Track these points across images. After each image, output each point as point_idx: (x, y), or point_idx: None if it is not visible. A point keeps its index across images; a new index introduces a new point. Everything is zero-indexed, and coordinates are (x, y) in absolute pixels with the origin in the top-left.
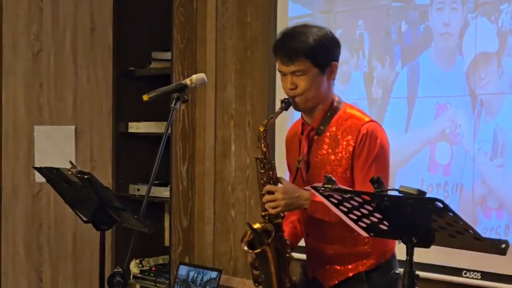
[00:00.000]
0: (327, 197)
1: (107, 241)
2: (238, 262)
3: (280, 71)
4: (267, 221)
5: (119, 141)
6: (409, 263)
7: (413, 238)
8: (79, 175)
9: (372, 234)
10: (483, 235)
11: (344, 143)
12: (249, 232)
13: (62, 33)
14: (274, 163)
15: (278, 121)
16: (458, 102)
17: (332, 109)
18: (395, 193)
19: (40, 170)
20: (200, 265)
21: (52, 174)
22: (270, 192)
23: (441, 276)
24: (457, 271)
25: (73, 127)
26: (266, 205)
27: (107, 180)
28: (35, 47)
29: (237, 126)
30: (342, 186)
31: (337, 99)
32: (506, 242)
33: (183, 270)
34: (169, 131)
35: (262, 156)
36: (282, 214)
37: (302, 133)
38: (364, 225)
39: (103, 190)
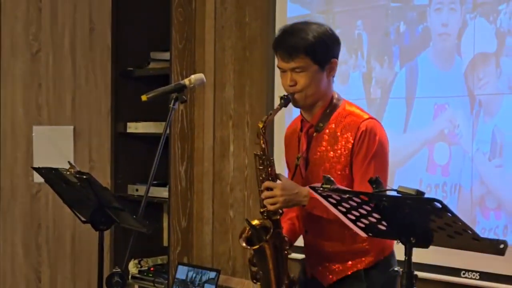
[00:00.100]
0: (325, 197)
1: (106, 241)
2: (236, 262)
3: (279, 68)
4: (265, 217)
5: (117, 141)
6: (408, 263)
7: (411, 239)
8: (77, 175)
9: (370, 234)
10: (482, 236)
11: (343, 140)
12: (247, 229)
13: (60, 33)
14: (273, 159)
15: (276, 118)
16: (457, 103)
17: (331, 106)
18: (394, 193)
19: (39, 170)
20: (199, 265)
21: (50, 174)
22: (269, 189)
23: (440, 276)
24: (455, 271)
25: (72, 127)
26: (265, 202)
27: (106, 180)
28: (33, 47)
29: (236, 126)
30: (340, 186)
31: (336, 96)
32: (504, 242)
33: (181, 270)
34: (168, 131)
35: (261, 153)
36: (281, 211)
37: (301, 130)
38: (362, 225)
39: (102, 190)
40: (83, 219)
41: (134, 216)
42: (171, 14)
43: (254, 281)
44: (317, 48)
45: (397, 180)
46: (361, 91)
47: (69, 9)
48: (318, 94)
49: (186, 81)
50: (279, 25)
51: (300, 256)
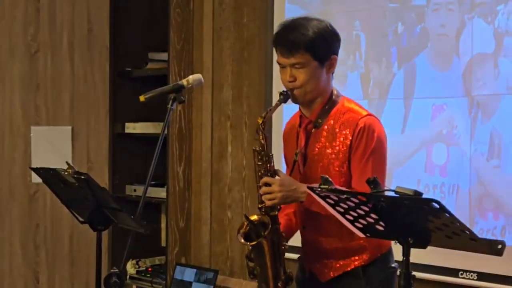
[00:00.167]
0: (323, 198)
1: (104, 242)
2: (234, 262)
3: (279, 63)
4: (263, 213)
5: (115, 142)
6: (406, 264)
7: (409, 239)
8: (75, 176)
9: (368, 235)
10: (480, 236)
11: (342, 137)
12: (245, 224)
13: (59, 34)
14: (272, 155)
15: (274, 114)
16: (455, 103)
17: (330, 102)
18: (392, 193)
19: (37, 170)
20: (197, 265)
21: (48, 175)
22: (267, 184)
23: (437, 276)
24: (453, 272)
25: (70, 127)
26: (263, 197)
27: (104, 180)
28: (32, 48)
29: (234, 127)
30: (338, 186)
31: (335, 92)
32: (502, 242)
33: (179, 270)
34: (166, 131)
35: (260, 148)
36: (279, 207)
37: (300, 125)
38: (360, 225)
39: (100, 190)
40: (81, 219)
41: (132, 217)
42: (169, 15)
43: (251, 276)
44: (317, 45)
45: (395, 180)
46: (359, 92)
47: (67, 9)
48: (318, 90)
49: (184, 82)
50: (275, 30)
51: (297, 255)
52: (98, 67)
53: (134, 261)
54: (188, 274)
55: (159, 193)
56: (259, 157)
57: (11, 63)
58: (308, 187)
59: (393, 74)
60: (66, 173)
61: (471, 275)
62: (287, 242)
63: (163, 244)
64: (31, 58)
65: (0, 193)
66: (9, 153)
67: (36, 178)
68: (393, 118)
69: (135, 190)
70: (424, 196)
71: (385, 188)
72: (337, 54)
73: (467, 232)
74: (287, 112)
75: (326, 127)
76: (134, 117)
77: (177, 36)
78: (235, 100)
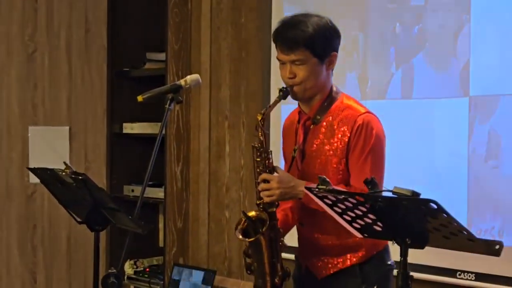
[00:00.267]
0: (321, 198)
1: (101, 242)
2: (232, 263)
3: (279, 59)
4: (261, 209)
5: (113, 142)
6: (403, 264)
7: (407, 239)
8: (73, 176)
9: (366, 235)
10: (477, 237)
11: (340, 133)
12: (243, 220)
13: (56, 34)
14: (271, 152)
15: (272, 111)
16: (453, 104)
17: (329, 99)
18: (389, 194)
19: (34, 170)
20: (195, 266)
21: (46, 175)
22: (266, 181)
23: (435, 277)
24: (451, 272)
25: (67, 127)
26: (261, 194)
27: (102, 180)
28: (29, 47)
29: (232, 127)
30: (336, 186)
31: (334, 89)
32: (500, 243)
33: (177, 271)
34: (164, 132)
35: (259, 145)
36: (277, 203)
37: (298, 122)
38: (358, 226)
39: (97, 190)
40: (78, 219)
41: (130, 217)
42: (167, 15)
43: (248, 272)
44: (317, 41)
45: (393, 180)
46: (357, 92)
47: (65, 9)
48: (317, 87)
49: (182, 82)
50: (274, 28)
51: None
52: (95, 67)
53: (132, 262)
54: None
55: (157, 193)
56: (258, 153)
57: (8, 63)
58: (306, 188)
59: (391, 74)
60: (63, 173)
61: (469, 276)
62: (283, 237)
63: (161, 244)
64: (28, 58)
65: None
66: (6, 153)
67: (33, 178)
68: (391, 118)
69: (133, 190)
70: (421, 196)
71: (383, 188)
72: (337, 51)
73: (465, 233)
74: (285, 109)
75: (324, 123)
76: (132, 117)
77: (175, 36)
78: (233, 100)
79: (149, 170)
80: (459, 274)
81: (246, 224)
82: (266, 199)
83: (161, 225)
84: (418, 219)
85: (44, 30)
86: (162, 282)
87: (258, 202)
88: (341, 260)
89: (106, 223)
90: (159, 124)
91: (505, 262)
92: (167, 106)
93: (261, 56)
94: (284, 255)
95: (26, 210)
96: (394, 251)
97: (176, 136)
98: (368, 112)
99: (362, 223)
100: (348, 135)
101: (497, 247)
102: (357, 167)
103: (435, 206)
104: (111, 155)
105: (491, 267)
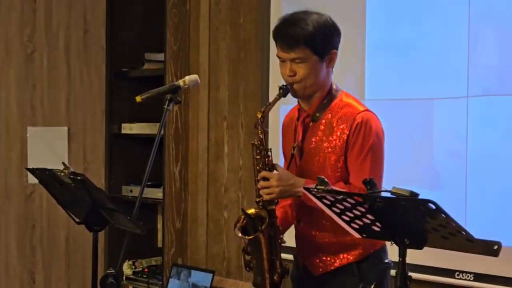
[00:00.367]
0: (320, 199)
1: (100, 243)
2: (231, 263)
3: (279, 57)
4: (261, 207)
5: (112, 142)
6: (402, 265)
7: (405, 240)
8: (72, 176)
9: (365, 235)
10: (476, 237)
11: (339, 131)
12: (242, 218)
13: (55, 34)
14: (271, 149)
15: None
16: (452, 104)
17: (329, 96)
18: (388, 194)
19: (33, 171)
20: (193, 266)
21: (45, 175)
22: (265, 179)
23: (434, 277)
24: (449, 273)
25: (66, 128)
26: (261, 191)
27: (100, 181)
28: (28, 48)
29: (230, 128)
30: (334, 187)
31: (334, 87)
32: (498, 243)
33: (175, 271)
34: (162, 132)
35: (259, 143)
36: (276, 201)
37: (298, 119)
38: (356, 226)
39: (96, 191)
40: (77, 220)
41: (128, 217)
42: (166, 15)
43: (247, 269)
44: (317, 39)
45: (392, 181)
46: (356, 92)
47: (64, 10)
48: (317, 85)
49: (180, 82)
50: (273, 27)
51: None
52: (94, 68)
53: (130, 262)
54: (184, 275)
55: (156, 193)
56: (258, 151)
57: (7, 63)
58: (305, 188)
59: (391, 74)
60: (62, 173)
61: (468, 276)
62: (283, 234)
63: (160, 244)
64: (27, 58)
65: None
66: (5, 153)
67: (32, 179)
68: (389, 118)
69: (131, 191)
70: (420, 196)
71: (382, 188)
72: (337, 48)
73: (463, 233)
74: (283, 108)
75: (323, 121)
76: (131, 118)
77: (173, 36)
78: (231, 101)
79: (147, 171)
80: (458, 275)
81: (245, 221)
82: (266, 197)
83: (159, 226)
84: (416, 220)
85: (43, 31)
86: (160, 282)
87: (257, 200)
88: (338, 258)
89: (104, 223)
90: (158, 124)
91: (504, 262)
92: (165, 106)
93: (259, 56)
94: (283, 255)
95: (25, 211)
96: (393, 251)
97: (175, 137)
98: (367, 110)
99: (361, 223)
100: (347, 132)
101: (496, 247)
102: (356, 165)
103: (434, 207)
104: (109, 156)
105: (489, 268)
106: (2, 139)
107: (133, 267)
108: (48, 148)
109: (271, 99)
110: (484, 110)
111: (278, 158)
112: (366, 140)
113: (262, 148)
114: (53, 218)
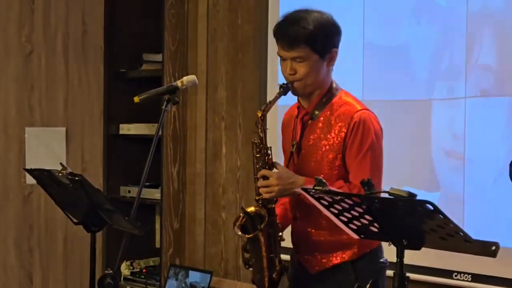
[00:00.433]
0: (318, 199)
1: (98, 243)
2: (229, 264)
3: (279, 55)
4: (260, 205)
5: (110, 143)
6: (400, 265)
7: (403, 240)
8: (70, 177)
9: (363, 236)
10: (474, 238)
11: (337, 129)
12: (241, 216)
13: (53, 34)
14: (270, 148)
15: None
16: (451, 105)
17: (328, 94)
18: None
19: (31, 171)
20: (191, 267)
21: (43, 176)
22: (265, 177)
23: (432, 278)
24: (447, 273)
25: (64, 128)
26: (260, 190)
27: (98, 181)
28: (26, 48)
29: (228, 128)
30: (332, 187)
31: (334, 85)
32: (496, 244)
33: (173, 271)
34: (160, 132)
35: (259, 141)
36: (275, 199)
37: (297, 116)
38: (354, 227)
39: (94, 192)
40: (75, 220)
41: (126, 218)
42: (164, 16)
43: (246, 266)
44: (318, 38)
45: (390, 181)
46: (355, 93)
47: (62, 10)
48: (317, 83)
49: (178, 83)
50: (271, 28)
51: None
52: (92, 68)
53: (128, 262)
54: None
55: (154, 194)
56: (258, 149)
57: (5, 63)
58: (303, 189)
59: (390, 74)
60: (60, 174)
61: (465, 277)
62: (282, 232)
63: (157, 245)
64: (25, 58)
65: None
66: (3, 154)
67: (30, 179)
68: (388, 119)
69: (129, 191)
70: (418, 197)
71: (382, 186)
72: (337, 47)
73: (461, 234)
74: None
75: (322, 118)
76: (129, 118)
77: (171, 37)
78: (229, 101)
79: (145, 171)
80: (456, 275)
81: (244, 220)
82: (266, 196)
83: (157, 226)
84: (414, 220)
85: (41, 31)
86: (158, 283)
87: (257, 198)
88: (334, 256)
89: (102, 224)
90: (156, 125)
91: (501, 263)
92: (163, 107)
93: (257, 57)
94: (281, 256)
95: (23, 211)
96: (391, 252)
97: (173, 137)
98: (365, 109)
99: (359, 224)
100: (345, 131)
101: (494, 248)
102: (355, 164)
103: (431, 207)
104: (107, 156)
105: (487, 268)
106: (0, 140)
107: (131, 267)
108: (46, 149)
109: (269, 99)
110: (481, 111)
111: (277, 156)
112: (364, 139)
113: (262, 147)
114: (51, 218)
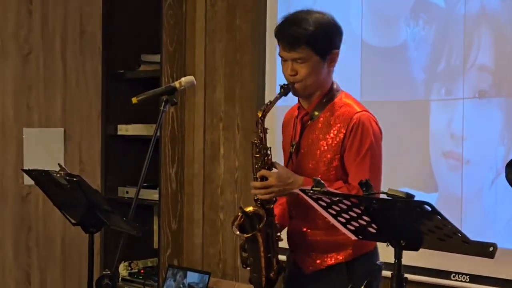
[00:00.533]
0: (316, 200)
1: (96, 244)
2: (227, 264)
3: (281, 56)
4: (259, 205)
5: (108, 144)
6: (398, 266)
7: (401, 241)
8: (67, 178)
9: (361, 237)
10: (472, 239)
11: (336, 130)
12: (240, 216)
13: (51, 36)
14: (270, 148)
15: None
16: (449, 105)
17: (329, 95)
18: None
19: (29, 172)
20: (189, 267)
21: (41, 177)
22: (264, 178)
23: (430, 279)
24: (445, 274)
25: (62, 129)
26: (257, 191)
27: (96, 182)
28: (24, 49)
29: (226, 129)
30: (330, 188)
31: (335, 86)
32: (494, 245)
33: (171, 272)
34: (158, 133)
35: (258, 141)
36: (274, 199)
37: (297, 117)
38: (353, 228)
39: (92, 192)
40: (73, 221)
41: (124, 219)
42: (162, 17)
43: (244, 266)
44: (319, 40)
45: (390, 182)
46: (353, 93)
47: (60, 11)
48: (318, 84)
49: (176, 84)
50: (269, 29)
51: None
52: (90, 69)
53: (126, 263)
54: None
55: (152, 195)
56: (257, 150)
57: (3, 64)
58: (301, 190)
59: (389, 75)
60: (58, 175)
61: (463, 277)
62: (281, 232)
63: (156, 246)
64: (23, 59)
65: None
66: (1, 154)
67: (28, 180)
68: (388, 119)
69: (127, 192)
70: (416, 198)
71: (382, 187)
72: (338, 48)
73: (459, 235)
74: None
75: (321, 119)
76: (127, 119)
77: (169, 38)
78: (227, 102)
79: (143, 172)
80: (454, 276)
81: (243, 219)
82: (264, 197)
83: (155, 227)
84: (412, 221)
85: (39, 32)
86: (156, 283)
87: (256, 198)
88: (329, 256)
89: (100, 224)
90: (154, 125)
91: (500, 264)
92: (161, 108)
93: (255, 58)
94: (280, 256)
95: (21, 212)
96: (389, 253)
97: (171, 138)
98: (365, 110)
99: (357, 225)
100: (344, 132)
101: (491, 249)
102: (355, 165)
103: (429, 208)
104: (105, 157)
105: (485, 269)
106: None
107: (129, 268)
108: (44, 149)
109: (267, 100)
110: (479, 112)
111: (277, 156)
112: (363, 141)
113: (262, 147)
114: (49, 219)
